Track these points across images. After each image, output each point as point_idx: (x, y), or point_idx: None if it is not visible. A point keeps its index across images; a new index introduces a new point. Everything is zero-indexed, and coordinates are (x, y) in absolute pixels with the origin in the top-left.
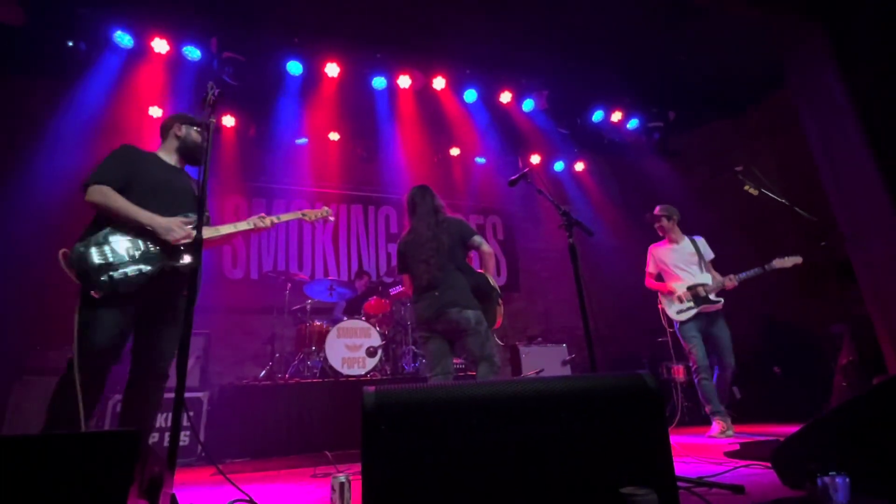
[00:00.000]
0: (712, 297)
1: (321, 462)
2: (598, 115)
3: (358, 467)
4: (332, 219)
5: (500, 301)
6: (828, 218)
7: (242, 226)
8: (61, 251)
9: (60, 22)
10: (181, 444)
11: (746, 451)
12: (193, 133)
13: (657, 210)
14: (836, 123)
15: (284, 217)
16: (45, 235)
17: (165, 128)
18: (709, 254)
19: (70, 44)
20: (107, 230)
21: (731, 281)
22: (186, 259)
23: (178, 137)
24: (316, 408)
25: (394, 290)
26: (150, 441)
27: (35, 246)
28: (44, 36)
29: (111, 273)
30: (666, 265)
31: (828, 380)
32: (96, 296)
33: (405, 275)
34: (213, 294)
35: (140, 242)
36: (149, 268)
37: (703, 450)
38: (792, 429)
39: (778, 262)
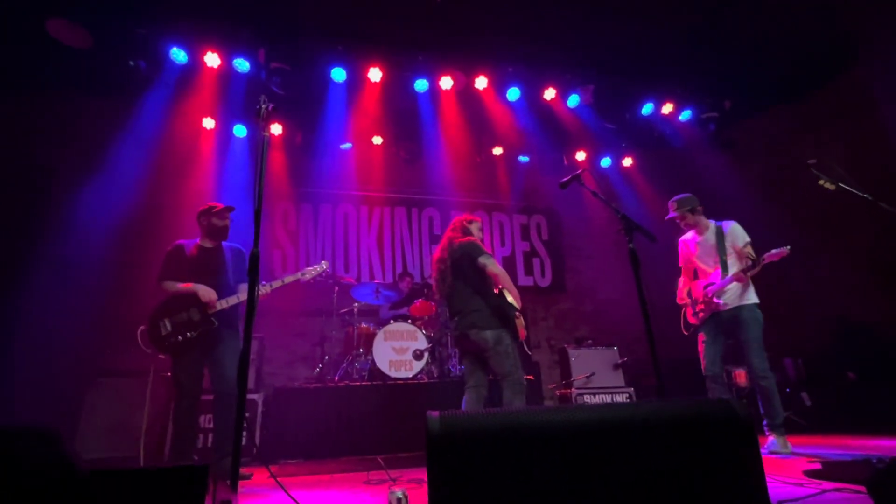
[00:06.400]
0: (717, 298)
1: (373, 467)
2: (647, 108)
3: (410, 474)
4: (328, 270)
5: (518, 314)
6: None
7: (266, 289)
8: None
9: (122, 42)
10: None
11: (831, 472)
12: (212, 220)
13: (672, 206)
14: None
15: (287, 279)
16: (117, 244)
17: (198, 222)
18: (739, 240)
19: (131, 63)
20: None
21: (740, 276)
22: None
23: (203, 227)
24: (365, 410)
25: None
26: (200, 443)
27: (108, 254)
28: (108, 57)
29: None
30: (692, 259)
31: None
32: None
33: None
34: (265, 297)
35: (186, 314)
36: (194, 332)
37: (777, 467)
38: (870, 442)
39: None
